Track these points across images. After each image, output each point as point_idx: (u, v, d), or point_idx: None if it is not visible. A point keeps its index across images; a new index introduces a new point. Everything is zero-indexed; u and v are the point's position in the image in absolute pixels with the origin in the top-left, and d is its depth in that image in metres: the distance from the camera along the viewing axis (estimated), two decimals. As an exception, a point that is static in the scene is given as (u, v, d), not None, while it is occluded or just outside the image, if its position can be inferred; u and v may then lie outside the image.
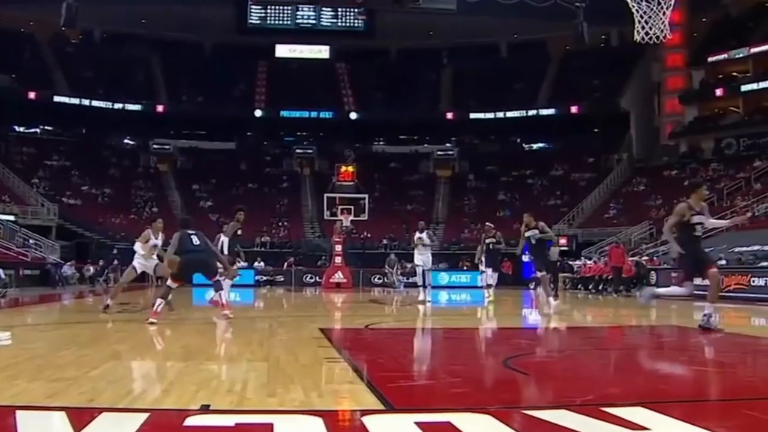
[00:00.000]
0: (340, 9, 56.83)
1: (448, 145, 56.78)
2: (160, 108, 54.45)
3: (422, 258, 18.43)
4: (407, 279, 32.93)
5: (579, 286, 30.83)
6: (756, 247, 26.84)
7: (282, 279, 36.79)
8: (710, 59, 48.34)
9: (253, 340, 8.51)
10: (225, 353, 7.73)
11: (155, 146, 54.01)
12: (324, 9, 56.81)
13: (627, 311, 16.23)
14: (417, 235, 18.56)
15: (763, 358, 7.69)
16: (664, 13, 9.62)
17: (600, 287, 27.99)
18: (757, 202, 35.43)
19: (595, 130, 53.70)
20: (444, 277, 37.77)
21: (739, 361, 7.32)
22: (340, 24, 57.68)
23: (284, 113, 55.23)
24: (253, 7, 56.61)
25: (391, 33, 55.00)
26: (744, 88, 46.46)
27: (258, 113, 55.33)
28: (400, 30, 53.91)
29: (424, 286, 18.59)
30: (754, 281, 20.55)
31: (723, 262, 24.96)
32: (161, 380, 5.39)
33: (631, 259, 28.45)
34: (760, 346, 8.71)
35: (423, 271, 18.59)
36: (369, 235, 43.78)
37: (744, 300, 19.45)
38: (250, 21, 56.86)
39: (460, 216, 48.86)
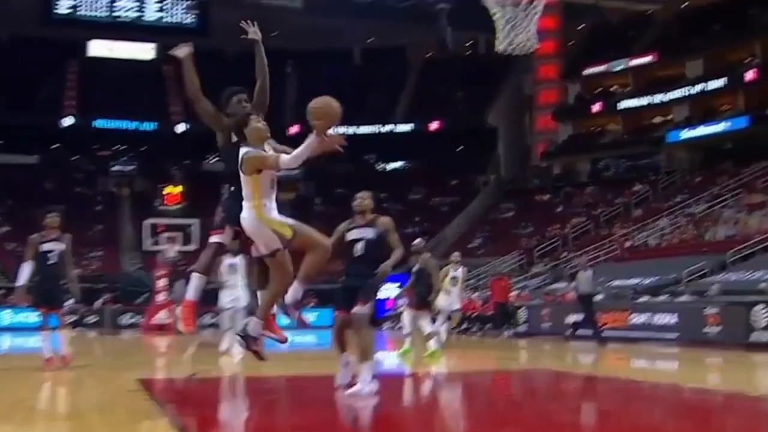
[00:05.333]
0: (167, 1, 56.09)
1: (291, 163, 56.78)
2: (-59, 113, 51.84)
3: (234, 293, 15.88)
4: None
5: (466, 325, 31.30)
6: (635, 281, 28.11)
7: (94, 319, 35.65)
8: (587, 71, 50.40)
9: (57, 395, 8.15)
10: (19, 410, 7.35)
11: (-66, 160, 51.33)
12: (148, 0, 55.92)
13: (493, 353, 16.61)
14: (228, 261, 15.66)
15: (644, 404, 8.01)
16: (530, 21, 9.96)
17: (463, 326, 28.51)
18: (637, 230, 37.10)
19: (459, 148, 54.83)
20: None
21: (619, 408, 7.60)
22: (167, 19, 56.81)
23: (99, 123, 53.68)
24: (60, -7, 55.04)
25: (228, 32, 54.17)
26: (623, 104, 48.44)
27: (66, 122, 53.56)
28: (239, 29, 53.47)
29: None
30: (633, 318, 21.49)
31: (599, 297, 26.05)
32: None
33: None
34: (641, 390, 9.08)
35: (234, 311, 15.97)
36: (200, 268, 43.04)
37: (622, 339, 20.29)
38: (57, 10, 55.13)
39: (306, 245, 48.88)
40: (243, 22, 8.50)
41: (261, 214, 6.95)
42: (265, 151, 7.27)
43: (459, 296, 17.81)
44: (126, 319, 36.17)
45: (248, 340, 7.08)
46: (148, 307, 34.37)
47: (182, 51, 8.24)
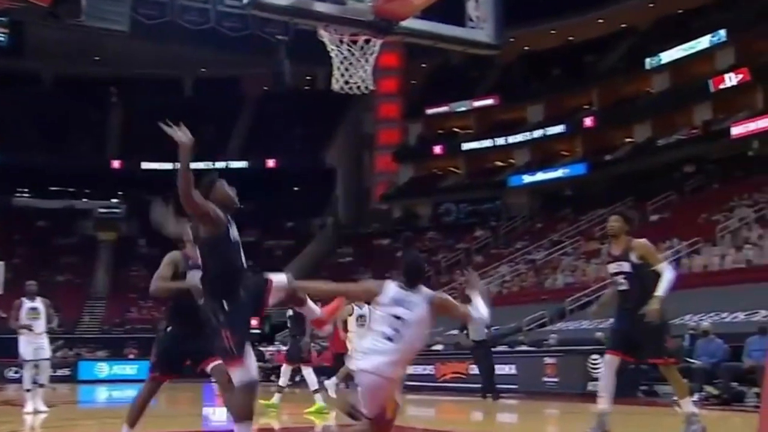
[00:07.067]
0: (-26, 17, 54.02)
1: (113, 200, 55.44)
2: None
3: (36, 343, 14.59)
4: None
5: (272, 377, 31.07)
6: (475, 330, 28.67)
7: None
8: (429, 111, 51.47)
9: None
10: None
11: None
12: (-47, 16, 53.72)
13: (332, 406, 16.58)
14: (27, 304, 14.62)
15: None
16: (366, 61, 10.13)
17: (297, 378, 28.34)
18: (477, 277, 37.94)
19: (295, 188, 54.82)
20: (103, 368, 36.50)
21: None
22: (-26, 36, 54.73)
23: None
24: None
25: (45, 54, 53.05)
26: (465, 146, 49.86)
27: None
28: (57, 51, 52.25)
29: (41, 385, 14.74)
30: (473, 369, 21.87)
31: (440, 347, 26.45)
32: None
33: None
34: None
35: (33, 363, 14.68)
36: (4, 315, 41.32)
37: (461, 391, 20.61)
38: None
39: (126, 291, 47.61)
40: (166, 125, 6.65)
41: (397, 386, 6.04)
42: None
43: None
44: None
45: None
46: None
47: (183, 137, 6.61)
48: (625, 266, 8.57)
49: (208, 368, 7.24)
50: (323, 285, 6.76)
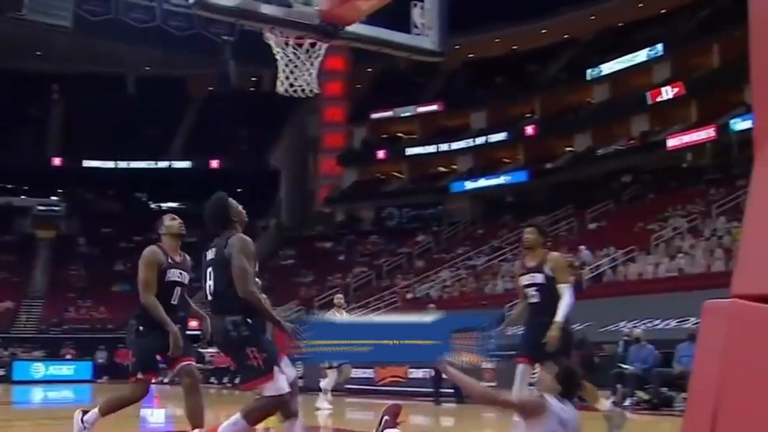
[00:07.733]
0: None
1: (53, 198, 54.70)
2: None
3: None
4: None
5: (212, 379, 30.97)
6: (414, 334, 28.79)
7: None
8: (373, 116, 51.63)
9: None
10: None
11: None
12: None
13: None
14: None
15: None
16: (312, 64, 10.14)
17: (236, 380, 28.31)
18: (419, 281, 38.12)
19: (239, 189, 54.34)
20: (39, 369, 35.98)
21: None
22: None
23: None
24: None
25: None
26: (409, 151, 50.19)
27: None
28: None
29: None
30: (411, 372, 21.97)
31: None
32: None
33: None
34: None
35: None
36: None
37: (400, 395, 20.69)
38: None
39: (64, 290, 46.99)
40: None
41: None
42: None
43: None
44: None
45: None
46: None
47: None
48: (538, 278, 8.44)
49: (176, 368, 7.10)
50: (478, 387, 6.12)
